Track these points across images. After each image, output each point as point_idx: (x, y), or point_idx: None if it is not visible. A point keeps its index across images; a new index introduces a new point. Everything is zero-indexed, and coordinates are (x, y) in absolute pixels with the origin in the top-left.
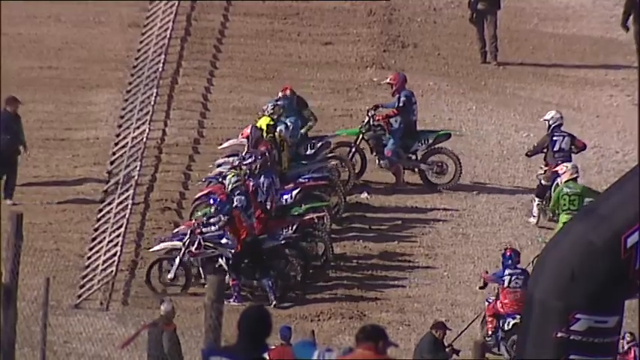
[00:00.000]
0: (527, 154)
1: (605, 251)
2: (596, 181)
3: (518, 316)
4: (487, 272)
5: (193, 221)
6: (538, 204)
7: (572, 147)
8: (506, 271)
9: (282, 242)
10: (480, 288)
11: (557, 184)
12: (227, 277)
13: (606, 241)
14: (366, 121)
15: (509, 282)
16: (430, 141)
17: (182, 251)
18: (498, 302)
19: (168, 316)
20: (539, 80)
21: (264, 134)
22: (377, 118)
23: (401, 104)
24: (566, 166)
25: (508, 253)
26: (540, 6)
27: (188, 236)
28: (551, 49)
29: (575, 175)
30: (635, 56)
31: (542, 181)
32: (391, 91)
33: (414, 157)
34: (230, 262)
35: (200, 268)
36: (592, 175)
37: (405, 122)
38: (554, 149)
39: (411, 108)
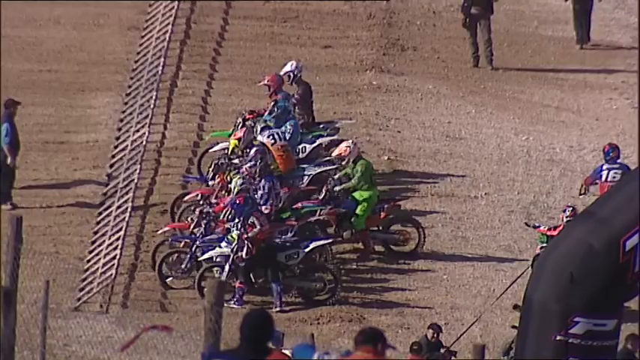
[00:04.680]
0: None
1: (604, 254)
2: None
3: None
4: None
5: (188, 222)
6: None
7: None
8: (605, 166)
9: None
10: (581, 194)
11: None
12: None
13: (605, 244)
14: (240, 122)
15: (607, 176)
16: (316, 141)
17: (231, 257)
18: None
19: None
20: (538, 83)
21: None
22: (247, 117)
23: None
24: (348, 147)
25: (607, 149)
26: (540, 9)
27: (237, 242)
28: (550, 53)
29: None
30: (636, 58)
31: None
32: (268, 93)
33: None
34: (243, 264)
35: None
36: None
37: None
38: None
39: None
